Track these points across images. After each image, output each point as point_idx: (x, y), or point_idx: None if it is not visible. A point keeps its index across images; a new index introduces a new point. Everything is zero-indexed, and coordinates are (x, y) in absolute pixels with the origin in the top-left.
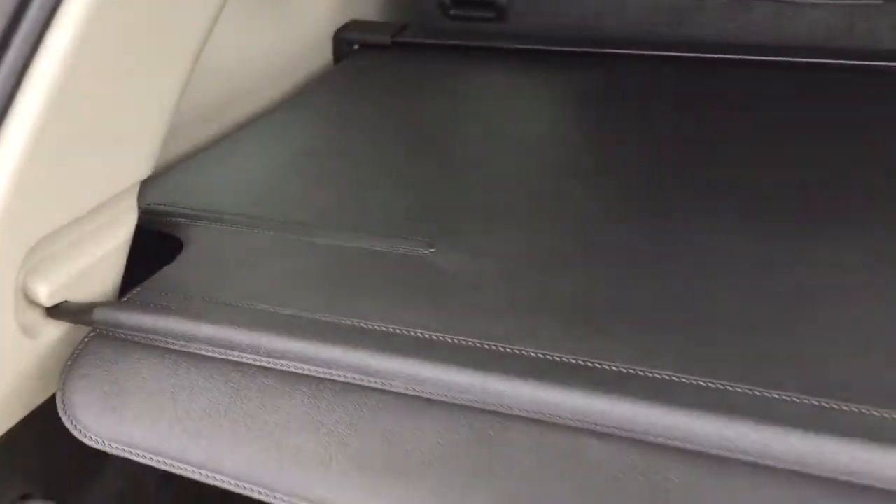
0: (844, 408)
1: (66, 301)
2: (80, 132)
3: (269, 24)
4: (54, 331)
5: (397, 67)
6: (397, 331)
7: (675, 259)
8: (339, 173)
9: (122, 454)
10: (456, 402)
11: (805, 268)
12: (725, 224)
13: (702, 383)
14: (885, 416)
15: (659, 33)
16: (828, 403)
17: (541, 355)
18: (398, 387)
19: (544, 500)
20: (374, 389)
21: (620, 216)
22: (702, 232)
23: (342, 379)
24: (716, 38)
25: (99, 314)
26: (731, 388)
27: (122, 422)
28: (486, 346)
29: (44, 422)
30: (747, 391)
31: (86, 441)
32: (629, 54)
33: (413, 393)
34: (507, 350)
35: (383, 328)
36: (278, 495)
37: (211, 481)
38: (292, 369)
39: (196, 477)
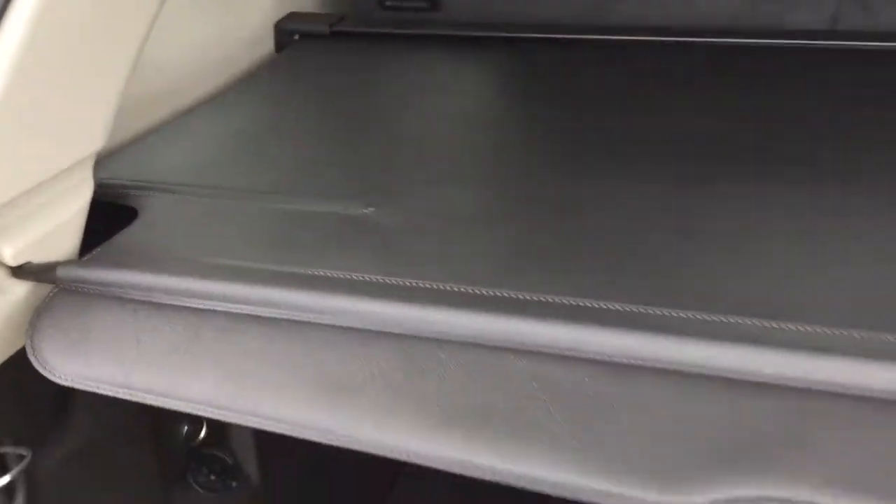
0: (731, 320)
1: (29, 262)
2: (36, 106)
3: (213, 15)
4: (20, 289)
5: (336, 56)
6: (337, 275)
7: (595, 208)
8: (281, 148)
9: (90, 389)
10: (393, 332)
11: (706, 209)
12: (638, 177)
13: (611, 307)
14: (767, 325)
15: (585, 18)
16: (716, 318)
17: (470, 290)
18: (340, 322)
19: (469, 411)
20: (320, 325)
21: (543, 179)
22: (618, 186)
23: (291, 317)
24: (636, 21)
25: (62, 271)
26: (642, 311)
27: (89, 362)
28: (419, 285)
29: (14, 372)
30: (654, 311)
31: (55, 380)
32: (556, 38)
33: (353, 326)
34: (440, 287)
35: (325, 273)
36: (237, 415)
37: (174, 406)
38: (245, 311)
39: (160, 404)
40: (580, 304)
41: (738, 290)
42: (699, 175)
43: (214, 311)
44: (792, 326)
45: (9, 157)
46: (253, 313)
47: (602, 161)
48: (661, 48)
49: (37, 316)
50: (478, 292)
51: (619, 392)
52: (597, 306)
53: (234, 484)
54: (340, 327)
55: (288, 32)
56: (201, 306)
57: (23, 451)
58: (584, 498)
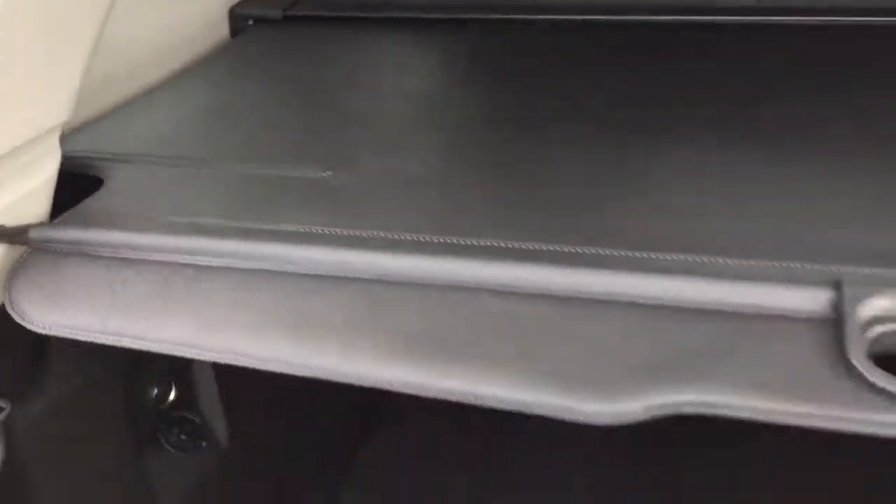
0: (653, 255)
1: (2, 225)
2: (3, 79)
3: (169, 0)
4: None
5: (290, 39)
6: (299, 229)
7: (531, 169)
8: (240, 123)
9: (69, 336)
10: (352, 277)
11: (629, 167)
12: (569, 143)
13: (546, 248)
14: (683, 258)
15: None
16: (642, 254)
17: (420, 238)
18: (303, 269)
19: (425, 341)
20: (285, 273)
21: (486, 147)
22: (550, 151)
23: (256, 267)
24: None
25: (34, 233)
26: (573, 250)
27: (65, 312)
28: (375, 235)
29: None
30: (585, 251)
31: (35, 329)
32: (506, 19)
33: (314, 273)
34: (393, 237)
35: (288, 228)
36: (210, 353)
37: (149, 348)
38: (213, 263)
39: (136, 346)
40: (520, 246)
41: (660, 230)
42: (620, 141)
43: (183, 264)
44: (707, 259)
45: None
46: (220, 265)
47: (540, 131)
48: (596, 27)
49: (12, 273)
50: (428, 240)
51: (558, 321)
52: (534, 248)
53: (203, 444)
54: (303, 275)
55: (242, 17)
56: (171, 260)
57: (2, 403)
58: (531, 411)
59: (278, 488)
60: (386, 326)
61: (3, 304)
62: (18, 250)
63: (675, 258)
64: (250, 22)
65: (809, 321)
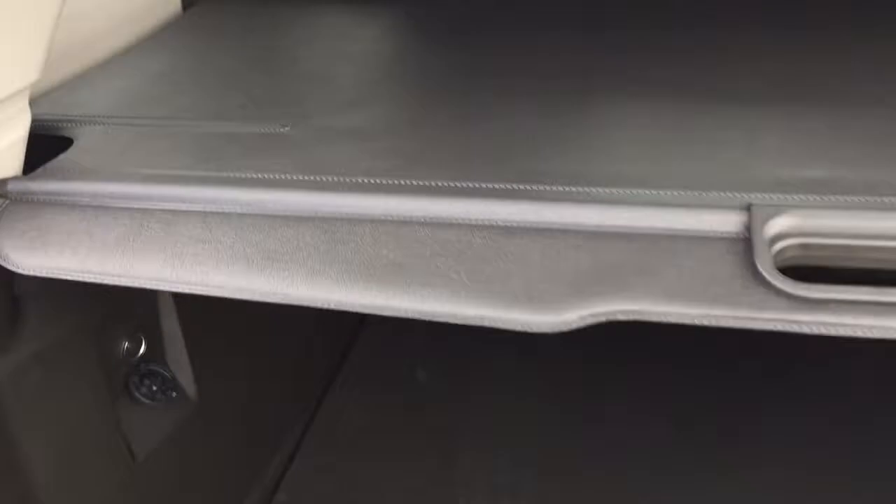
0: (583, 189)
1: None
2: None
3: None
4: None
5: (242, 10)
6: (263, 175)
7: (476, 121)
8: (199, 86)
9: (52, 276)
10: (312, 216)
11: (565, 113)
12: (512, 97)
13: (490, 185)
14: (613, 191)
15: None
16: (565, 188)
17: (374, 181)
18: (268, 211)
19: (384, 267)
20: (251, 215)
21: (435, 101)
22: (493, 105)
23: (224, 210)
24: None
25: (12, 185)
26: (512, 187)
27: (47, 254)
28: (333, 179)
29: None
30: (522, 187)
31: (18, 271)
32: None
33: (278, 214)
34: (351, 180)
35: (252, 175)
36: (185, 286)
37: (128, 283)
38: (182, 208)
39: (116, 282)
40: (463, 185)
41: (591, 168)
42: (554, 94)
43: (156, 210)
44: (635, 190)
45: None
46: (191, 209)
47: (483, 90)
48: None
49: None
50: (381, 182)
51: (502, 247)
52: (479, 186)
53: (173, 394)
54: (268, 216)
55: None
56: (144, 206)
57: None
58: (479, 323)
59: (248, 434)
60: (348, 256)
61: None
62: None
63: (606, 191)
64: None
65: (725, 240)
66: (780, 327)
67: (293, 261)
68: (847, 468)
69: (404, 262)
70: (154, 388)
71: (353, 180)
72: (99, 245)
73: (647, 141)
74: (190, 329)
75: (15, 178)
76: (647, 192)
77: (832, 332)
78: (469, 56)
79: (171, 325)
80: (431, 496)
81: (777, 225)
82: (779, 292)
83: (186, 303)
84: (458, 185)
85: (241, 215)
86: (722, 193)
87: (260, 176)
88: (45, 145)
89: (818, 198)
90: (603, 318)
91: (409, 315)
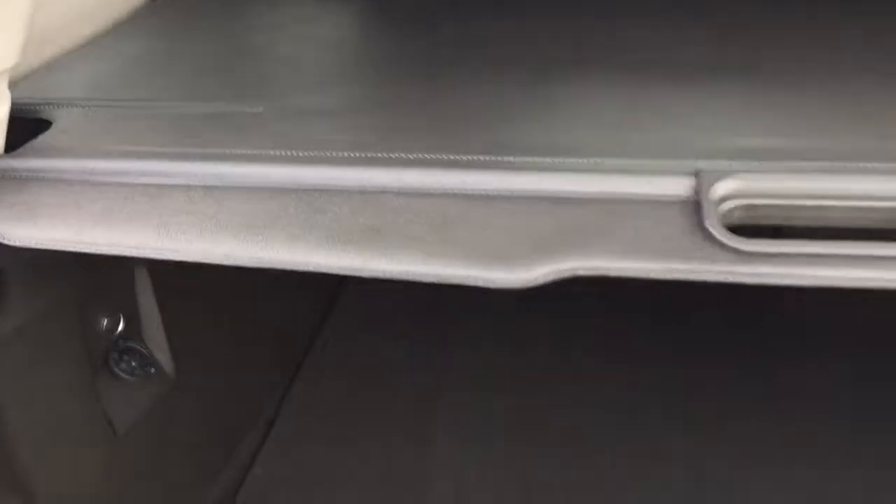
0: (545, 160)
1: None
2: None
3: None
4: None
5: (209, 1)
6: (242, 152)
7: (438, 102)
8: (173, 70)
9: (42, 247)
10: (291, 188)
11: (527, 91)
12: (474, 79)
13: (456, 158)
14: (571, 161)
15: None
16: (529, 158)
17: (348, 155)
18: (249, 184)
19: (361, 232)
20: (232, 188)
21: (402, 82)
22: (455, 86)
23: (207, 184)
24: None
25: None
26: (479, 158)
27: (37, 226)
28: (308, 154)
29: None
30: (489, 158)
31: (10, 243)
32: None
33: (259, 186)
34: (323, 154)
35: (232, 151)
36: (172, 253)
37: (118, 252)
38: (166, 182)
39: (105, 251)
40: (437, 157)
41: (552, 139)
42: (517, 76)
43: (140, 184)
44: (593, 160)
45: None
46: (174, 183)
47: (450, 69)
48: None
49: None
50: (357, 155)
51: (472, 213)
52: (450, 157)
53: (152, 370)
54: (249, 188)
55: None
56: (128, 181)
57: None
58: (453, 282)
59: (228, 404)
60: (326, 224)
61: None
62: None
63: (569, 160)
64: None
65: (677, 202)
66: (727, 279)
67: (275, 228)
68: (818, 419)
69: (380, 228)
70: (133, 363)
71: (330, 154)
72: (87, 216)
73: (607, 114)
74: (167, 306)
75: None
76: (606, 160)
77: (773, 281)
78: (435, 39)
79: (147, 303)
80: (411, 457)
81: (723, 188)
82: (725, 247)
83: (163, 280)
84: (430, 157)
85: (223, 188)
86: (674, 161)
87: (240, 152)
88: (23, 129)
89: (759, 164)
90: (567, 275)
91: (386, 276)
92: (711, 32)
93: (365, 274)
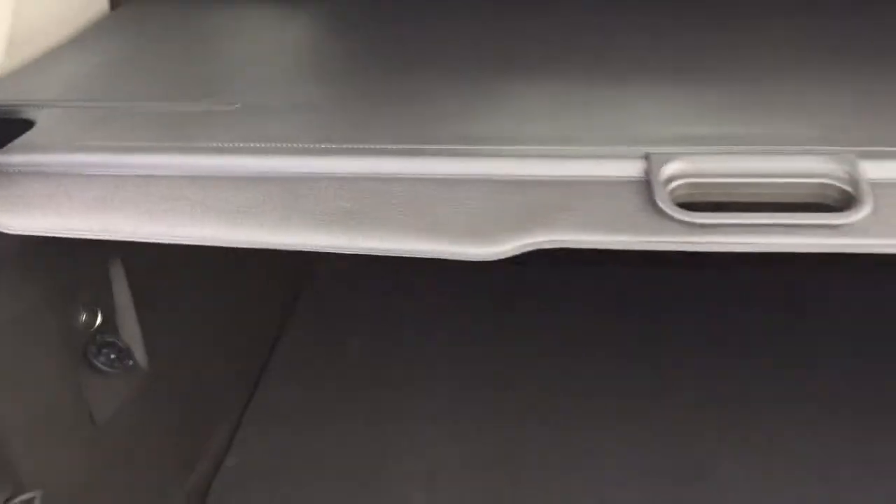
0: (508, 148)
1: None
2: None
3: None
4: None
5: (170, 6)
6: (224, 145)
7: (410, 97)
8: (147, 73)
9: (39, 234)
10: (273, 177)
11: (492, 85)
12: (446, 72)
13: (428, 147)
14: (521, 148)
15: None
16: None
17: (324, 146)
18: (233, 174)
19: (343, 214)
20: (218, 177)
21: (373, 78)
22: (428, 76)
23: (193, 174)
24: None
25: None
26: (446, 147)
27: (31, 216)
28: (289, 145)
29: None
30: (459, 147)
31: (8, 231)
32: None
33: (244, 176)
34: (302, 146)
35: (214, 144)
36: (162, 237)
37: (110, 237)
38: (154, 173)
39: (98, 237)
40: (411, 147)
41: (516, 130)
42: (484, 72)
43: (127, 176)
44: (555, 147)
45: None
46: (160, 174)
47: (419, 67)
48: None
49: None
50: (334, 146)
51: (445, 195)
52: (422, 147)
53: (130, 363)
54: (234, 178)
55: None
56: (114, 173)
57: None
58: (428, 255)
59: (199, 400)
60: (309, 207)
61: None
62: None
63: (532, 148)
64: None
65: (630, 183)
66: (675, 247)
67: (261, 212)
68: (778, 380)
69: (359, 210)
70: (112, 356)
71: (308, 146)
72: (79, 206)
73: (566, 107)
74: (142, 300)
75: None
76: (567, 147)
77: (715, 248)
78: (405, 39)
79: (123, 298)
80: (382, 443)
81: (670, 169)
82: (673, 220)
83: (138, 275)
84: (403, 147)
85: (209, 178)
86: (627, 147)
87: (221, 145)
88: (4, 129)
89: (703, 148)
90: (533, 247)
91: (366, 251)
92: (659, 37)
93: (346, 251)
